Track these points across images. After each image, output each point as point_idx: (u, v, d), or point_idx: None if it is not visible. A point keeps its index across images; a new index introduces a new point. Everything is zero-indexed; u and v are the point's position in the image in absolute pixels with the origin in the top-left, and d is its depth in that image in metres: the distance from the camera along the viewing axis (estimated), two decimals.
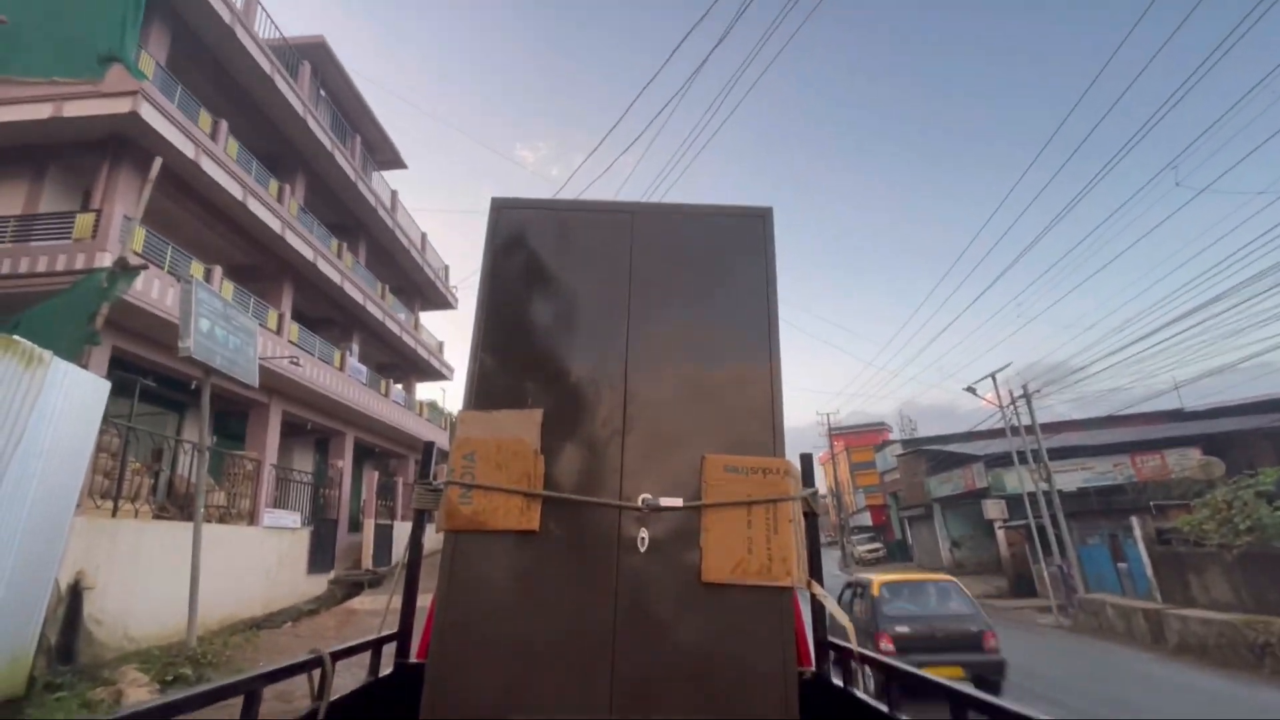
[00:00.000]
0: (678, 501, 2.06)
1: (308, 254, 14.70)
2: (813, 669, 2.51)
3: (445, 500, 2.07)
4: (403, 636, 2.54)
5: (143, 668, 6.97)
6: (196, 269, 11.53)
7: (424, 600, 2.23)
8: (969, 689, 1.65)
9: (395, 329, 19.93)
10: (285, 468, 14.81)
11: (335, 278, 15.96)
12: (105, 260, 9.18)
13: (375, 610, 12.16)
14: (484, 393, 2.19)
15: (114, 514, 8.61)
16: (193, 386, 11.00)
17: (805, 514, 2.36)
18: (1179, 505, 17.59)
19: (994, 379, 21.24)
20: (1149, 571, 16.15)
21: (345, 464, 17.42)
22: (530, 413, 2.14)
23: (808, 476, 2.53)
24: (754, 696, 1.89)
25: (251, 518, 12.17)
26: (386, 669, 2.45)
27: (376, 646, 2.41)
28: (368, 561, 15.70)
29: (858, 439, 50.26)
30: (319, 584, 13.65)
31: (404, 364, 22.88)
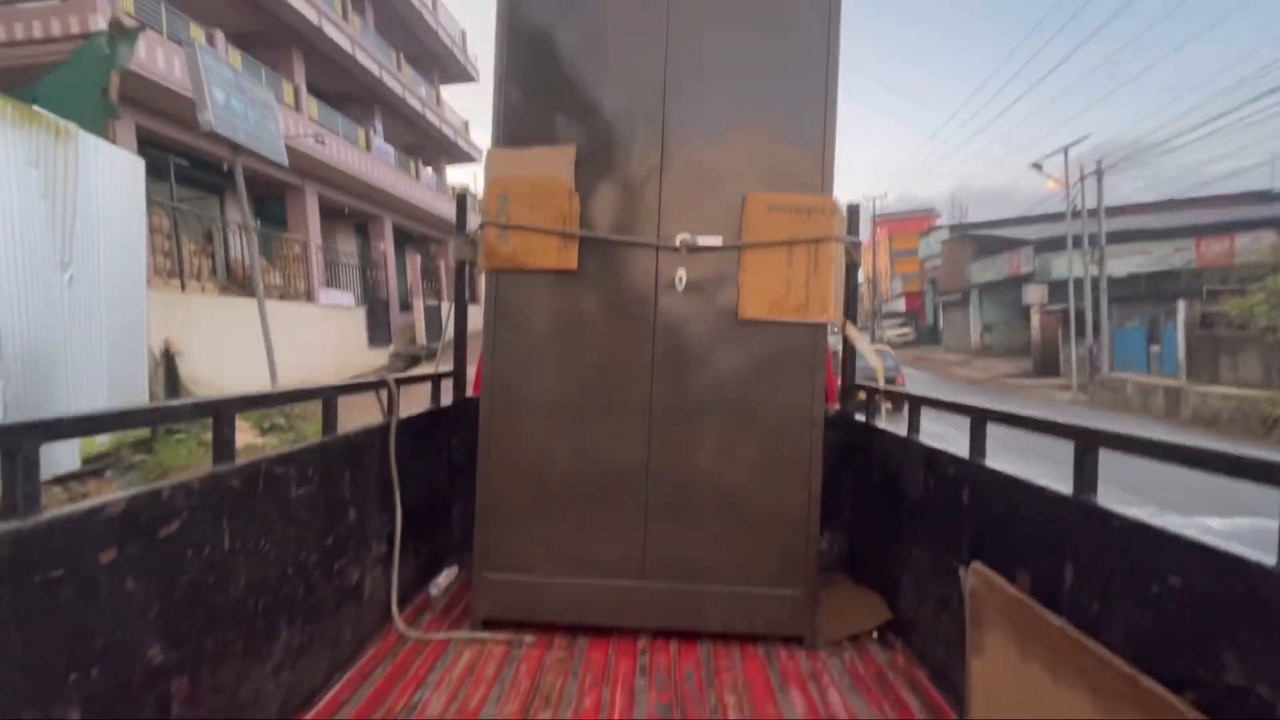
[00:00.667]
0: (717, 241, 2.02)
1: (312, 16, 13.33)
2: (838, 406, 2.70)
3: (483, 241, 2.07)
4: (458, 376, 2.77)
5: (243, 418, 8.04)
6: (196, 32, 10.67)
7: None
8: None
9: (416, 105, 18.76)
10: (331, 249, 15.26)
11: (345, 45, 14.65)
12: (99, 22, 8.52)
13: None
14: (513, 128, 2.06)
15: (183, 289, 9.21)
16: (225, 168, 10.90)
17: (847, 265, 2.32)
18: (1235, 290, 16.98)
19: (1065, 153, 19.37)
20: (1180, 353, 16.24)
21: (387, 247, 17.81)
22: (563, 149, 2.03)
23: (853, 226, 2.44)
24: (786, 424, 2.05)
25: (308, 296, 12.91)
26: (447, 401, 2.73)
27: (435, 381, 2.65)
28: (421, 339, 16.88)
29: (902, 225, 48.29)
30: (381, 356, 14.91)
31: (430, 145, 21.98)
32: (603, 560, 2.07)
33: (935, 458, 1.91)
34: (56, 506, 0.99)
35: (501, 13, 2.07)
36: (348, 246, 17.49)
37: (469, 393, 2.85)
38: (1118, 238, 20.64)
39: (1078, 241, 19.27)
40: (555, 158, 2.04)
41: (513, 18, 2.06)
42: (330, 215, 16.07)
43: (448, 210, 20.86)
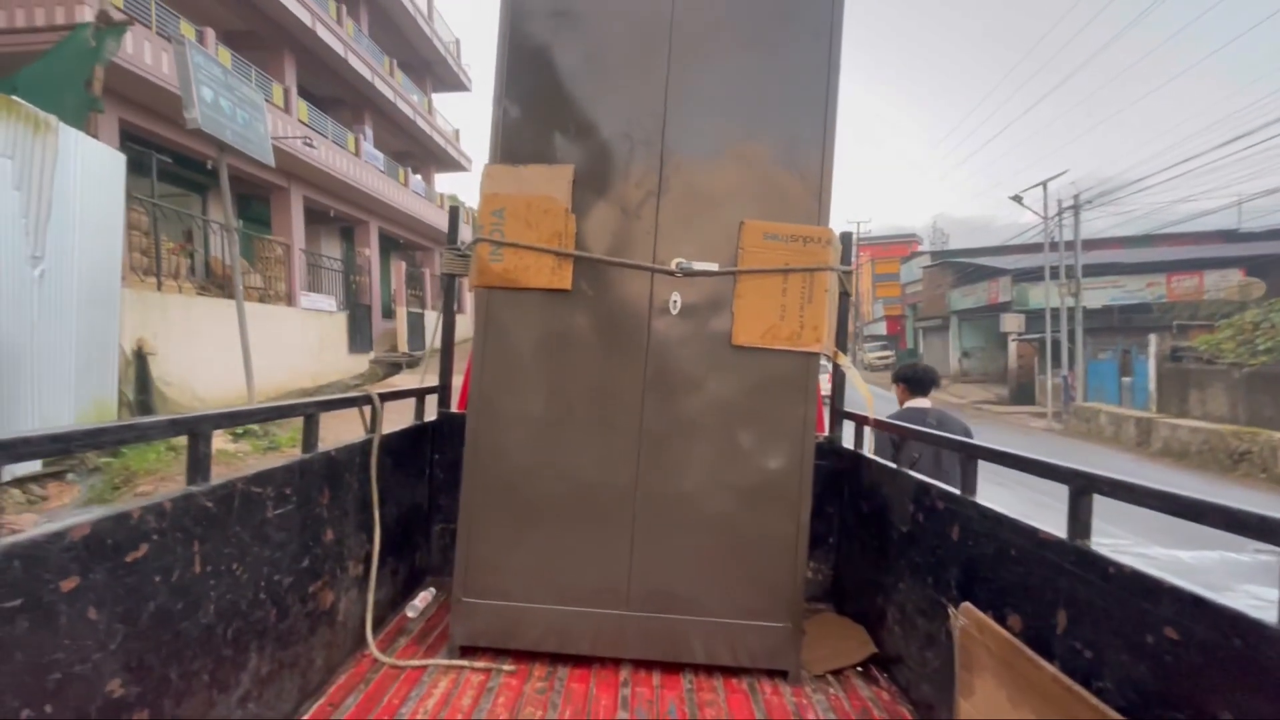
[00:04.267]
0: (713, 266, 2.01)
1: (305, 18, 13.27)
2: (826, 434, 2.69)
3: (475, 257, 2.04)
4: (443, 389, 2.72)
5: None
6: (187, 29, 10.54)
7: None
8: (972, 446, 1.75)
9: (408, 111, 18.72)
10: (314, 253, 15.06)
11: (338, 48, 14.60)
12: (86, 14, 8.38)
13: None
14: (510, 145, 2.04)
15: (159, 288, 9.00)
16: (209, 166, 10.74)
17: (840, 294, 2.32)
18: (1202, 325, 17.52)
19: (1044, 187, 19.89)
20: (1151, 385, 16.63)
21: (372, 253, 17.64)
22: (560, 168, 2.02)
23: (845, 255, 2.45)
24: (776, 453, 2.03)
25: (289, 299, 12.70)
26: (431, 414, 2.67)
27: (420, 395, 2.59)
28: (403, 346, 16.70)
29: (885, 250, 49.15)
30: (360, 363, 14.70)
31: (420, 152, 21.91)
32: (587, 587, 2.03)
33: (925, 491, 1.91)
34: (13, 533, 0.93)
35: (503, 29, 2.05)
36: (332, 251, 17.31)
37: (454, 407, 2.80)
38: (1093, 270, 21.17)
39: (1055, 273, 19.72)
40: (553, 176, 2.02)
41: (514, 35, 2.05)
42: (315, 219, 15.90)
43: (436, 218, 20.76)
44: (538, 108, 2.05)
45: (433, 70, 21.98)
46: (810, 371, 2.04)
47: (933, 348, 33.79)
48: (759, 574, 2.03)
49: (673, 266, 2.01)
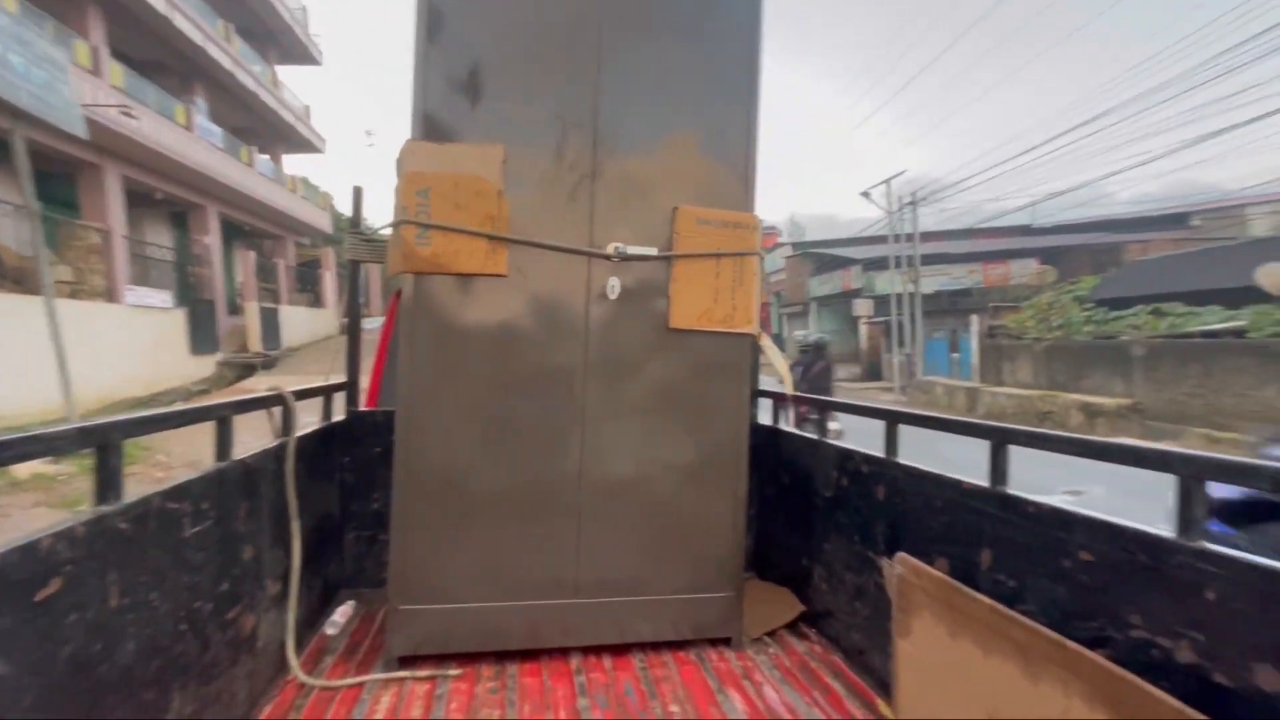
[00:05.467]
0: (650, 250, 2.04)
1: None
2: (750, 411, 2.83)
3: (400, 241, 1.90)
4: (351, 387, 2.51)
5: None
6: None
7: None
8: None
9: (249, 83, 16.71)
10: (140, 240, 13.05)
11: (158, 4, 12.64)
12: None
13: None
14: (433, 121, 1.92)
15: None
16: None
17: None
18: (1011, 307, 20.48)
19: (889, 185, 22.11)
20: (974, 359, 19.19)
21: (213, 241, 15.61)
22: (490, 148, 1.93)
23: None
24: (716, 431, 2.10)
25: (110, 295, 10.91)
26: (338, 415, 2.45)
27: (328, 393, 2.37)
28: (256, 345, 15.01)
29: None
30: (205, 365, 13.01)
31: (266, 130, 19.68)
32: (533, 580, 1.98)
33: (849, 457, 2.08)
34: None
35: None
36: (161, 238, 15.10)
37: (363, 405, 2.59)
38: (927, 260, 23.93)
39: (897, 262, 22.07)
40: (482, 157, 1.93)
41: (434, 4, 1.92)
42: (140, 201, 13.76)
43: (286, 202, 18.83)
44: (462, 84, 1.94)
45: (277, 40, 19.78)
46: (743, 352, 2.14)
47: (795, 332, 36.46)
48: (701, 549, 2.10)
49: (610, 251, 2.01)
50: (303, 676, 1.80)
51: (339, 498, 2.43)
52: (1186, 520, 1.06)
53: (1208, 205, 26.16)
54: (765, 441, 2.69)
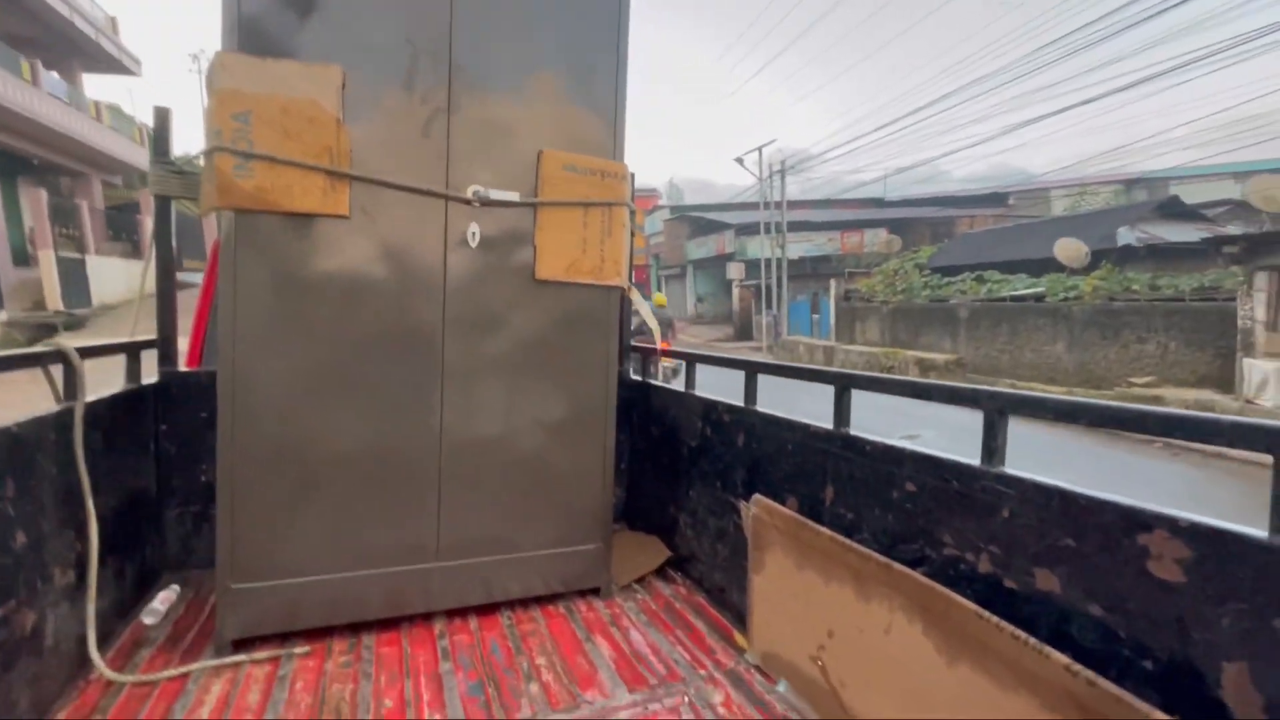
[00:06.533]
0: (513, 196, 1.92)
1: None
2: (620, 366, 2.83)
3: (214, 171, 1.64)
4: (164, 343, 2.18)
5: None
6: None
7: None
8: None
9: None
10: None
11: None
12: None
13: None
14: (254, 31, 1.65)
15: None
16: None
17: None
18: (864, 273, 22.43)
19: (760, 152, 22.97)
20: (832, 320, 20.90)
21: None
22: (325, 68, 1.70)
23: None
24: (583, 385, 2.07)
25: None
26: (150, 377, 2.12)
27: (133, 351, 2.04)
28: (55, 302, 12.71)
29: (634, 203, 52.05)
30: None
31: (58, 42, 16.28)
32: (390, 546, 1.86)
33: (713, 408, 2.15)
34: None
35: None
36: None
37: (182, 365, 2.25)
38: (794, 227, 25.40)
39: (767, 228, 23.20)
40: (315, 78, 1.69)
41: None
42: None
43: (88, 132, 15.89)
44: None
45: None
46: (612, 305, 2.11)
47: (674, 294, 37.38)
48: (570, 504, 2.09)
49: (469, 194, 1.87)
50: (109, 673, 1.57)
51: (155, 471, 2.12)
52: (990, 448, 1.20)
53: (1020, 187, 30.08)
54: (637, 395, 2.72)
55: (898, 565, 1.29)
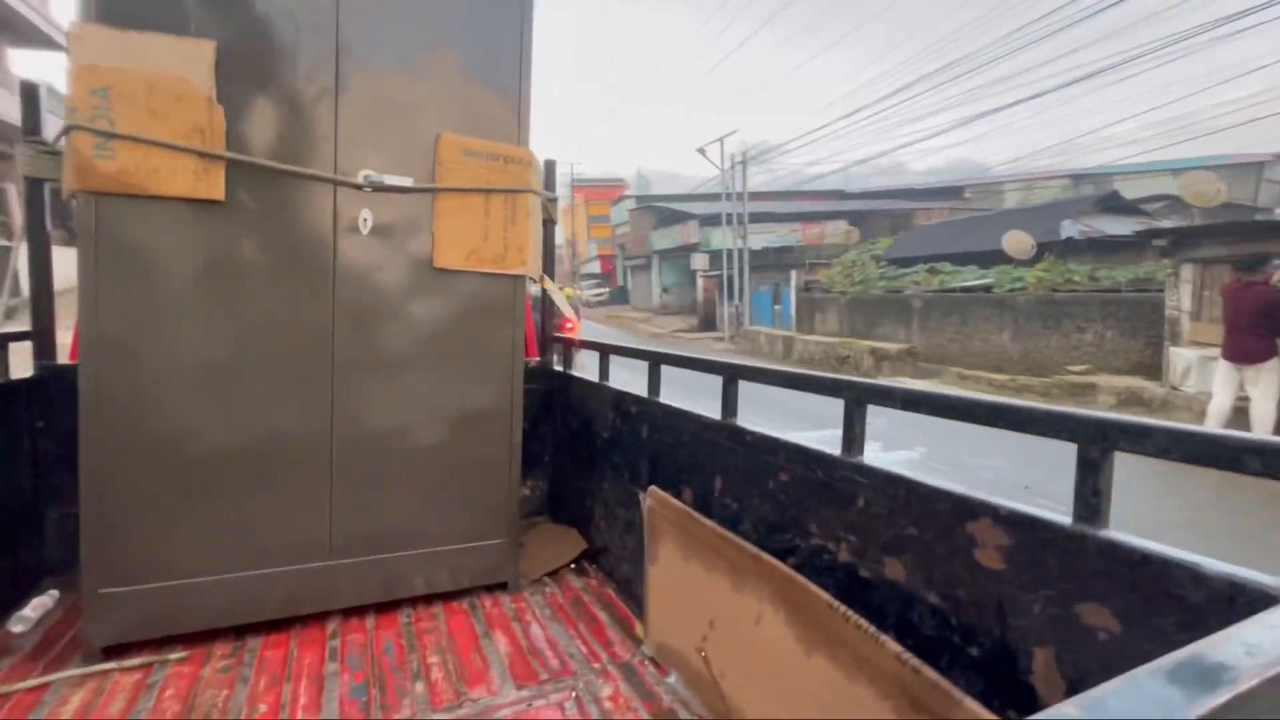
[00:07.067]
0: (407, 181, 1.86)
1: None
2: (538, 359, 2.79)
3: (71, 152, 1.53)
4: (39, 335, 2.05)
5: None
6: None
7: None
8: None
9: None
10: None
11: None
12: None
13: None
14: (116, 0, 1.54)
15: None
16: None
17: (544, 221, 2.37)
18: (824, 264, 22.77)
19: (722, 143, 23.00)
20: (793, 311, 21.16)
21: None
22: (197, 43, 1.61)
23: (549, 182, 2.49)
24: (486, 377, 2.03)
25: None
26: (25, 371, 2.00)
27: (1, 342, 1.91)
28: None
29: (597, 192, 51.71)
30: None
31: None
32: (280, 545, 1.80)
33: (622, 399, 2.13)
34: None
35: None
36: None
37: (66, 359, 2.13)
38: (756, 218, 25.59)
39: (729, 219, 23.31)
40: (185, 53, 1.60)
41: None
42: None
43: (10, 110, 14.93)
44: None
45: None
46: (517, 294, 2.07)
47: (639, 284, 37.34)
48: (475, 498, 2.05)
49: (359, 179, 1.80)
50: None
51: (31, 470, 2.00)
52: (849, 439, 1.21)
53: (975, 180, 30.84)
54: (559, 387, 2.69)
55: (765, 556, 1.29)
